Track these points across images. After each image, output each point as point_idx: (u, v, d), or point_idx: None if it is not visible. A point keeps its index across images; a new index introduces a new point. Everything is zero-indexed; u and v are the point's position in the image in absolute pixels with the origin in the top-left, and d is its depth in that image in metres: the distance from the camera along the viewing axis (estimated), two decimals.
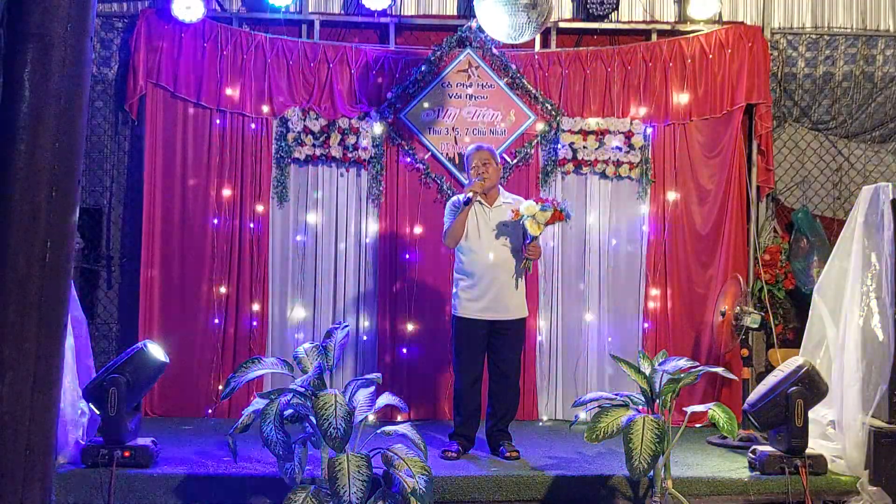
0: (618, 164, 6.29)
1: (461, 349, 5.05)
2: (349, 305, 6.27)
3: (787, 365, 4.76)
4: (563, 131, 6.26)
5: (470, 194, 4.93)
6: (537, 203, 4.86)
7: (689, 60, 6.32)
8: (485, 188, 5.01)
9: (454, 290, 5.11)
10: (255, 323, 6.17)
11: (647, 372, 4.41)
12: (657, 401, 4.34)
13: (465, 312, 5.01)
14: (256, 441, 3.85)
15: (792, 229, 6.57)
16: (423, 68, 6.22)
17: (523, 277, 5.08)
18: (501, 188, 5.21)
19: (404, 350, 6.20)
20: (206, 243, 6.18)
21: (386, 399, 4.01)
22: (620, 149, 6.27)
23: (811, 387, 4.61)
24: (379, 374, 4.06)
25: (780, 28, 6.61)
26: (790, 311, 6.50)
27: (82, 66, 2.97)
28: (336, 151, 6.19)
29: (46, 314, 2.90)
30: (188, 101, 6.19)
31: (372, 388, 3.89)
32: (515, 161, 6.24)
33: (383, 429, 3.89)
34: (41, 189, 2.88)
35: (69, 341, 4.09)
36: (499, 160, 5.27)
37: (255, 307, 6.17)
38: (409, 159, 6.27)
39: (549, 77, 6.33)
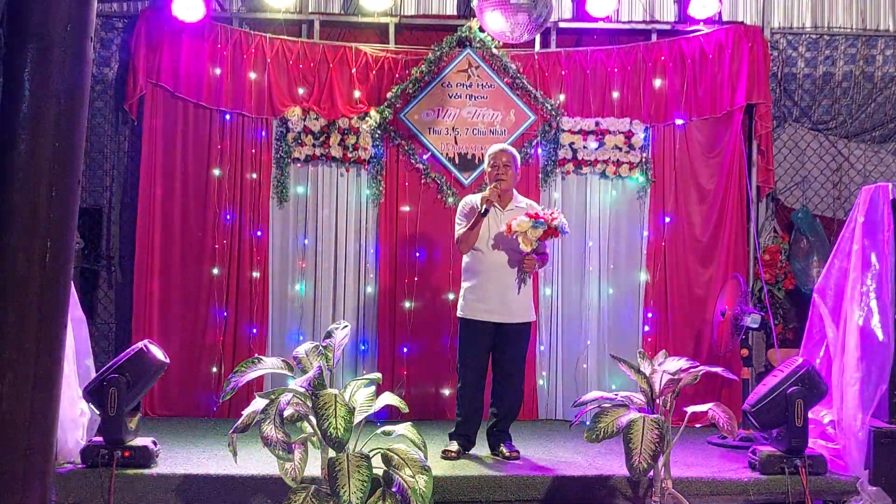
0: (618, 164, 6.29)
1: (466, 350, 5.03)
2: (349, 305, 6.27)
3: (787, 365, 4.76)
4: (563, 131, 6.26)
5: (486, 205, 4.83)
6: (530, 219, 4.72)
7: (689, 60, 6.32)
8: (499, 192, 4.94)
9: (461, 291, 5.08)
10: (254, 322, 6.17)
11: (647, 372, 4.41)
12: (657, 401, 4.33)
13: (471, 313, 4.99)
14: (256, 441, 3.85)
15: (792, 229, 6.57)
16: (422, 68, 6.22)
17: (528, 282, 5.04)
18: (515, 191, 5.14)
19: (405, 349, 6.20)
20: (206, 243, 6.18)
21: (386, 399, 4.00)
22: (620, 149, 6.27)
23: (811, 387, 4.60)
24: (379, 374, 4.05)
25: (780, 28, 6.61)
26: (790, 311, 6.50)
27: (82, 66, 2.97)
28: (336, 151, 6.19)
29: (46, 314, 2.90)
30: (188, 101, 6.19)
31: (372, 388, 3.87)
32: None
33: (383, 429, 3.88)
34: (41, 189, 2.87)
35: (69, 341, 4.09)
36: (519, 165, 5.11)
37: (255, 307, 6.17)
38: (409, 159, 6.27)
39: (549, 77, 6.33)
